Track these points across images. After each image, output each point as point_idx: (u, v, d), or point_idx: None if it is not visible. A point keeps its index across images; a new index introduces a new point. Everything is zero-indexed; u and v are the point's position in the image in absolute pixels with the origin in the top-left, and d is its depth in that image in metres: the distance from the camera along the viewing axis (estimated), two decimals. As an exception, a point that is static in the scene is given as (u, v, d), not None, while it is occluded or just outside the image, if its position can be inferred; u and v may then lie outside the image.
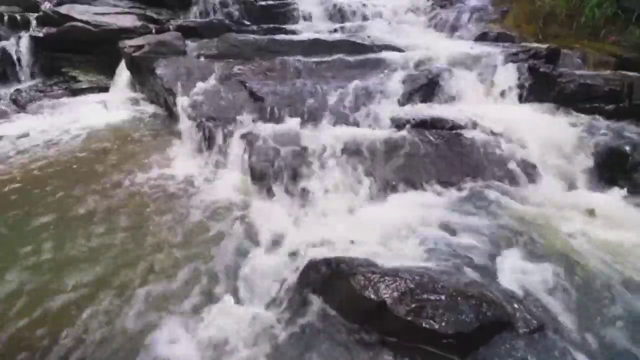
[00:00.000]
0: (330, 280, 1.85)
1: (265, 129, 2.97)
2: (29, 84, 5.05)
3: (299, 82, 3.54)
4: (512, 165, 2.80)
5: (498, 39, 5.02)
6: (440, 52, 3.96)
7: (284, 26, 5.82)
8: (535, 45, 4.24)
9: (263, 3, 6.50)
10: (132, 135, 3.63)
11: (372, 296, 1.69)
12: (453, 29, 5.67)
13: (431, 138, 2.94)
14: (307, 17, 6.38)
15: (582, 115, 3.23)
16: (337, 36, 4.79)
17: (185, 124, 3.27)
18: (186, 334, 1.70)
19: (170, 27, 5.48)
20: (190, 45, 4.67)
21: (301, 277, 1.93)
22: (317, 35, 4.78)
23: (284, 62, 3.92)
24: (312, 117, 3.13)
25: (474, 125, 3.05)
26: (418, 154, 2.82)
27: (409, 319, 1.60)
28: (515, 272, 1.93)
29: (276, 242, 2.22)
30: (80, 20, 5.22)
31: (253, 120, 3.15)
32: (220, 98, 3.41)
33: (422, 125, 3.04)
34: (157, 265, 2.06)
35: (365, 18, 6.30)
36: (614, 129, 3.00)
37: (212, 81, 3.65)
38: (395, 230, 2.20)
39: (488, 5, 5.84)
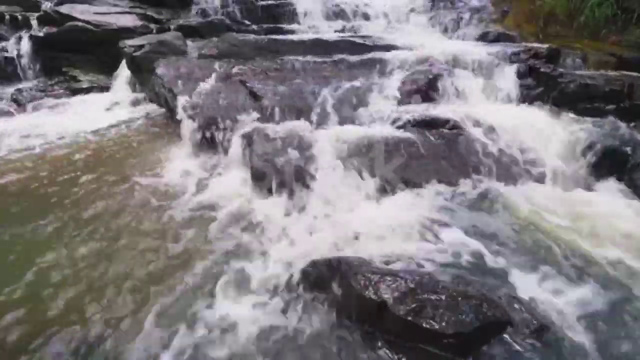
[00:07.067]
0: (330, 280, 1.86)
1: (266, 129, 2.97)
2: (29, 83, 5.05)
3: (299, 81, 3.55)
4: (512, 165, 2.81)
5: (498, 39, 5.02)
6: (441, 52, 3.96)
7: (284, 26, 5.83)
8: (535, 45, 4.24)
9: (263, 3, 6.51)
10: (133, 134, 3.64)
11: (373, 296, 1.69)
12: (454, 29, 5.68)
13: (431, 138, 2.94)
14: (308, 17, 6.38)
15: (583, 116, 3.22)
16: (338, 36, 4.79)
17: (185, 124, 3.27)
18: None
19: (171, 26, 5.49)
20: (191, 45, 4.67)
21: (302, 277, 1.93)
22: (317, 35, 4.79)
23: (285, 62, 3.93)
24: (312, 117, 3.13)
25: (475, 125, 3.05)
26: (418, 153, 2.82)
27: (409, 318, 1.60)
28: (515, 271, 1.93)
29: (277, 242, 2.23)
30: (81, 20, 5.23)
31: (253, 120, 3.15)
32: (220, 98, 3.41)
33: (423, 124, 3.04)
34: (155, 265, 2.07)
35: (365, 18, 6.31)
36: (614, 129, 3.00)
37: (212, 81, 3.65)
38: (395, 230, 2.20)
39: (488, 5, 5.85)
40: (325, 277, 1.88)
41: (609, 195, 2.63)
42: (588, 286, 1.87)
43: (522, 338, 1.56)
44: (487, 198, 2.54)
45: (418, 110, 3.23)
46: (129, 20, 5.48)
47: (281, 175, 2.64)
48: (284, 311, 1.81)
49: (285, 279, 1.96)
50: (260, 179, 2.67)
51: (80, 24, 5.17)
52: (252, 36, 4.60)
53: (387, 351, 1.60)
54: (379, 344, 1.63)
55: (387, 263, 1.91)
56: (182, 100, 3.37)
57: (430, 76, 3.55)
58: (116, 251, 2.15)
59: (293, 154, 2.73)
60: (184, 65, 3.93)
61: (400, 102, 3.35)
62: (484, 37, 5.15)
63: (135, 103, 4.46)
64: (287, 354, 1.63)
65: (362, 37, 4.67)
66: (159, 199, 2.63)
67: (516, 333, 1.58)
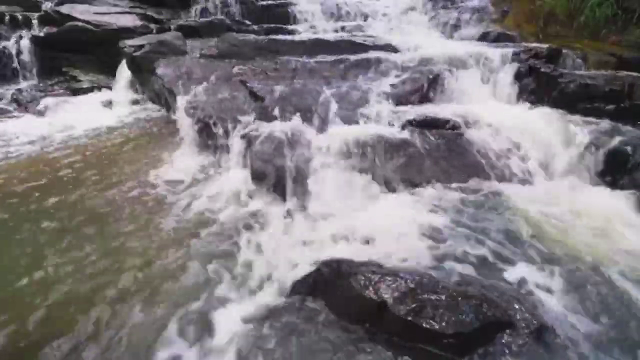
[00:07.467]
0: (331, 280, 1.86)
1: (266, 129, 2.97)
2: (29, 83, 5.07)
3: (299, 81, 3.55)
4: (512, 165, 2.81)
5: (499, 39, 5.03)
6: (441, 52, 3.96)
7: (284, 26, 5.84)
8: (535, 45, 4.24)
9: (263, 3, 6.52)
10: (133, 135, 3.64)
11: (373, 296, 1.69)
12: (454, 29, 5.69)
13: (432, 138, 2.94)
14: (308, 17, 6.39)
15: (583, 116, 3.22)
16: (338, 36, 4.79)
17: (185, 124, 3.27)
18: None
19: (171, 26, 5.51)
20: (191, 45, 4.68)
21: (302, 277, 1.93)
22: (317, 35, 4.80)
23: (285, 62, 3.92)
24: (312, 117, 3.13)
25: (475, 125, 3.05)
26: (419, 153, 2.82)
27: (409, 318, 1.60)
28: (515, 271, 1.93)
29: (277, 242, 2.23)
30: (81, 20, 5.24)
31: (253, 120, 3.15)
32: (220, 98, 3.41)
33: (423, 125, 3.04)
34: (154, 266, 2.07)
35: (365, 18, 6.32)
36: (615, 129, 3.00)
37: (212, 81, 3.65)
38: (395, 230, 2.20)
39: (488, 5, 5.86)
40: (325, 277, 1.88)
41: (610, 195, 2.62)
42: (589, 287, 1.87)
43: (522, 338, 1.56)
44: (488, 198, 2.54)
45: (418, 110, 3.23)
46: (129, 20, 5.48)
47: (281, 175, 2.64)
48: (284, 311, 1.81)
49: (285, 279, 1.96)
50: (260, 179, 2.67)
51: (80, 24, 5.18)
52: (252, 36, 4.60)
53: (387, 351, 1.60)
54: (379, 344, 1.63)
55: (387, 263, 1.91)
56: (182, 101, 3.37)
57: (430, 76, 3.55)
58: (113, 254, 2.15)
59: (293, 154, 2.73)
60: (184, 66, 3.93)
61: (400, 102, 3.35)
62: (484, 37, 5.15)
63: (135, 103, 4.47)
64: (286, 354, 1.63)
65: (362, 37, 4.67)
66: (158, 199, 2.63)
67: (516, 333, 1.57)
